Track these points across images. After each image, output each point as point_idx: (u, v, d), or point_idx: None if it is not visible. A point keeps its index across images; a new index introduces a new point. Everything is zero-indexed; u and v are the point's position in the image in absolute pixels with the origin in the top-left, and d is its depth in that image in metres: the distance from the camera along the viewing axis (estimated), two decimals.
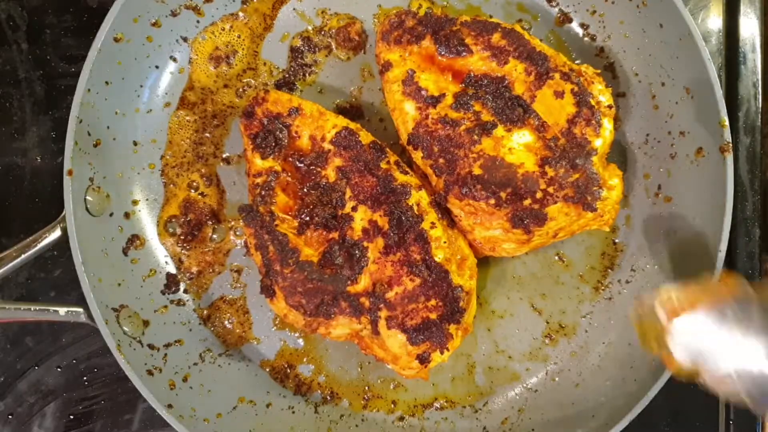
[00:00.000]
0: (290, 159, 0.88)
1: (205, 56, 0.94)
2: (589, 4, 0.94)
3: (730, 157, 0.85)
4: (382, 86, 0.90)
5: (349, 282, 0.84)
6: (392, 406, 0.94)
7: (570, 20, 0.96)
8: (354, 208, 0.85)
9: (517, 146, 0.84)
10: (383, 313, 0.83)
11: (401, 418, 0.94)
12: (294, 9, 0.96)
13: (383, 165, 0.86)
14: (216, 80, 0.95)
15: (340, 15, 0.96)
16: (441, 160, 0.85)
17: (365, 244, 0.84)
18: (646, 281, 0.94)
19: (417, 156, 0.87)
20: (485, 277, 0.96)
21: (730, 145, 0.84)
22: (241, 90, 0.95)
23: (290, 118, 0.88)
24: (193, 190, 0.95)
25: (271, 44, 0.96)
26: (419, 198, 0.85)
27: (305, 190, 0.88)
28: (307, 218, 0.87)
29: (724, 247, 0.85)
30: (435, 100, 0.86)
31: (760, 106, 1.00)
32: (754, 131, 0.99)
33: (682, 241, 0.91)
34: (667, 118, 0.92)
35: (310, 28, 0.96)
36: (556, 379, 0.95)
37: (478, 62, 0.86)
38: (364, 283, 0.84)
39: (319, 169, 0.87)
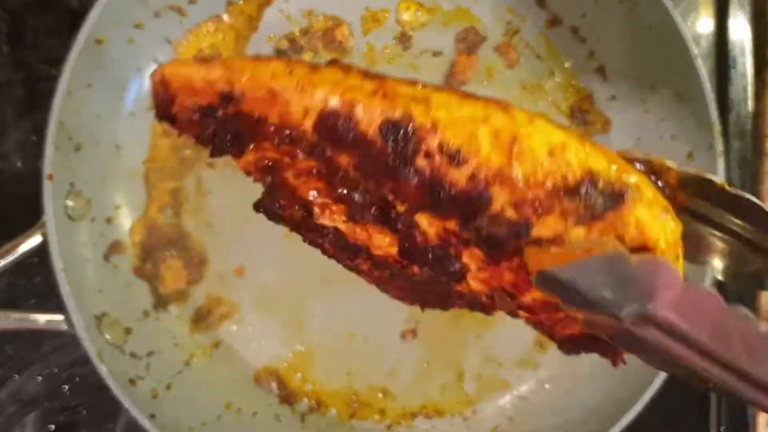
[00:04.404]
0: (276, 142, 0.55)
1: (189, 58, 0.93)
2: (579, 6, 0.94)
3: (721, 162, 0.84)
4: None
5: (453, 282, 0.58)
6: (381, 414, 0.93)
7: (560, 23, 0.95)
8: (409, 211, 0.55)
9: None
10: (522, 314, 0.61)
11: (389, 427, 0.93)
12: (280, 10, 0.94)
13: (420, 161, 0.51)
14: None
15: (327, 16, 0.95)
16: None
17: (452, 251, 0.56)
18: None
19: None
20: None
21: (722, 149, 0.84)
22: None
23: (230, 106, 0.54)
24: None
25: (256, 46, 0.94)
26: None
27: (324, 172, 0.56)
28: (354, 198, 0.56)
29: None
30: None
31: (751, 109, 0.99)
32: (744, 135, 0.99)
33: None
34: (658, 121, 0.92)
35: (296, 30, 0.95)
36: (547, 386, 0.94)
37: None
38: (475, 286, 0.58)
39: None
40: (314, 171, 0.55)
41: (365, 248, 0.58)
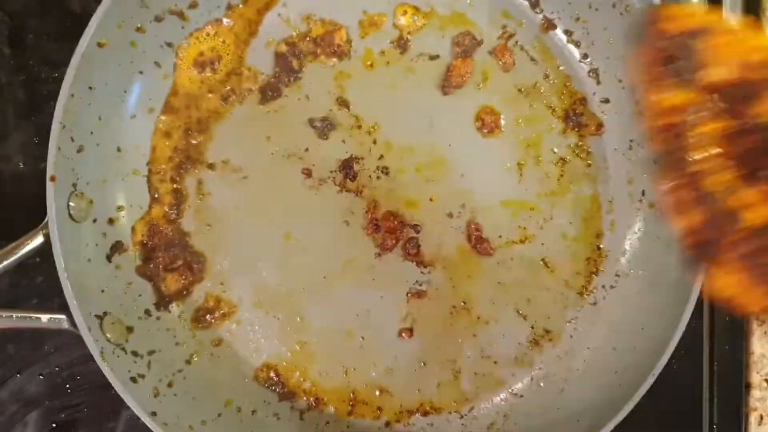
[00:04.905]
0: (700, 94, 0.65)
1: (190, 62, 0.94)
2: (573, 10, 0.95)
3: None
4: None
5: None
6: (378, 412, 0.94)
7: (554, 27, 0.96)
8: None
9: None
10: None
11: (387, 424, 0.94)
12: (279, 15, 0.95)
13: None
14: (200, 86, 0.94)
15: (325, 20, 0.96)
16: None
17: None
18: (630, 286, 0.95)
19: None
20: (469, 284, 0.96)
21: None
22: (225, 95, 0.95)
23: (697, 40, 0.65)
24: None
25: (256, 50, 0.95)
26: None
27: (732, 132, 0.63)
28: (745, 171, 0.62)
29: None
30: None
31: None
32: None
33: (666, 246, 0.91)
34: None
35: (294, 34, 0.96)
36: (542, 384, 0.95)
37: None
38: None
39: (743, 108, 0.62)
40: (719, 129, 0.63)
41: (737, 216, 0.61)
